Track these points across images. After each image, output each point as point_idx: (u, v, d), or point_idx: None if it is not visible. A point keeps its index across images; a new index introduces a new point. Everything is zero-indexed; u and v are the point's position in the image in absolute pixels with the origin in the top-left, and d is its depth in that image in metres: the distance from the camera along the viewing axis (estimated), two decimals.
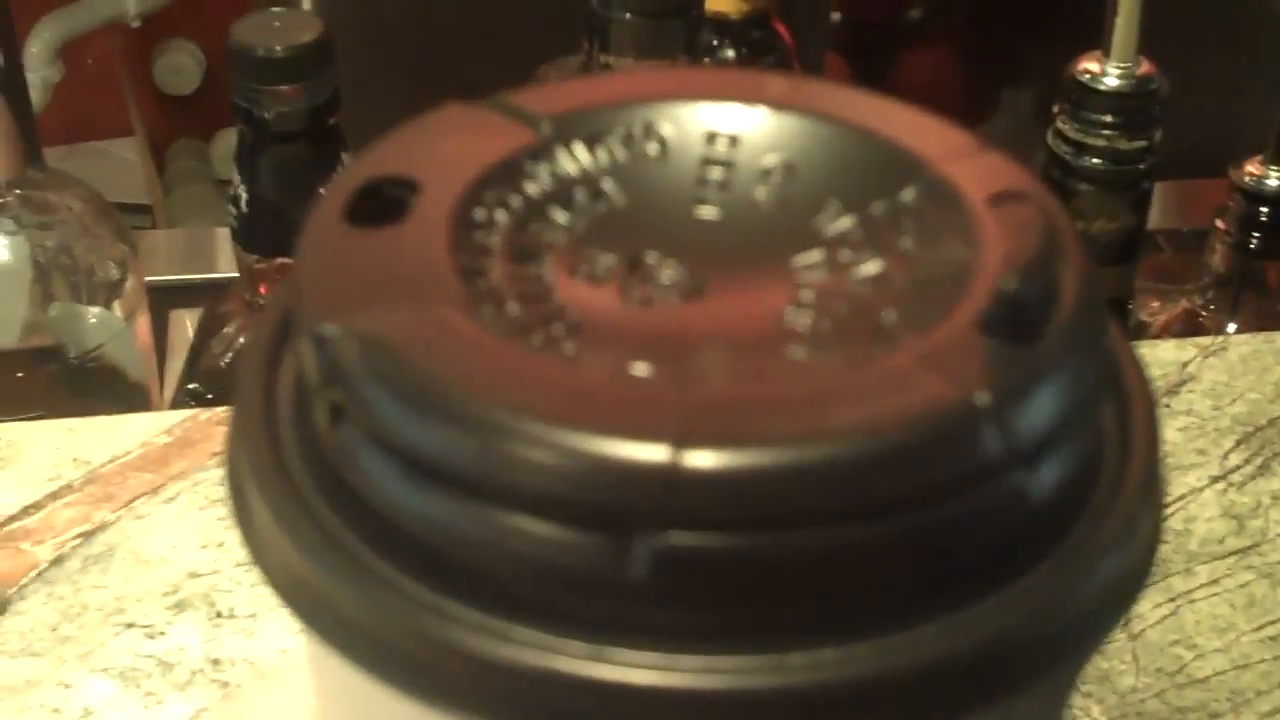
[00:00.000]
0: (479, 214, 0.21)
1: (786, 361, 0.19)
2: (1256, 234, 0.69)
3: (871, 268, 0.21)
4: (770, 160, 0.23)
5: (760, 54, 0.68)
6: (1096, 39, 0.65)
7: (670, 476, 0.17)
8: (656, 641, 0.17)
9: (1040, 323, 0.19)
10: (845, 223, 0.22)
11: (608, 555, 0.17)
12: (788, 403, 0.18)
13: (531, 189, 0.22)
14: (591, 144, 0.22)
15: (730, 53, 0.68)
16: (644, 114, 0.23)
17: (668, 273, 0.21)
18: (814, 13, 0.91)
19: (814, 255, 0.21)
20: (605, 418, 0.17)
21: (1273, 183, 0.68)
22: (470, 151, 0.21)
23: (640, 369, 0.19)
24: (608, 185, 0.22)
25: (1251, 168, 0.68)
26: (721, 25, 0.67)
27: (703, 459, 0.17)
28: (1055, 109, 0.66)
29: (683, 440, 0.17)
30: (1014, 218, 0.21)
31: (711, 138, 0.23)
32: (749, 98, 0.24)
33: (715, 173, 0.23)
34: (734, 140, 0.23)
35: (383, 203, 0.20)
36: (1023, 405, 0.18)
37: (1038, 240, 0.21)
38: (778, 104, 0.24)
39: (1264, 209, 0.68)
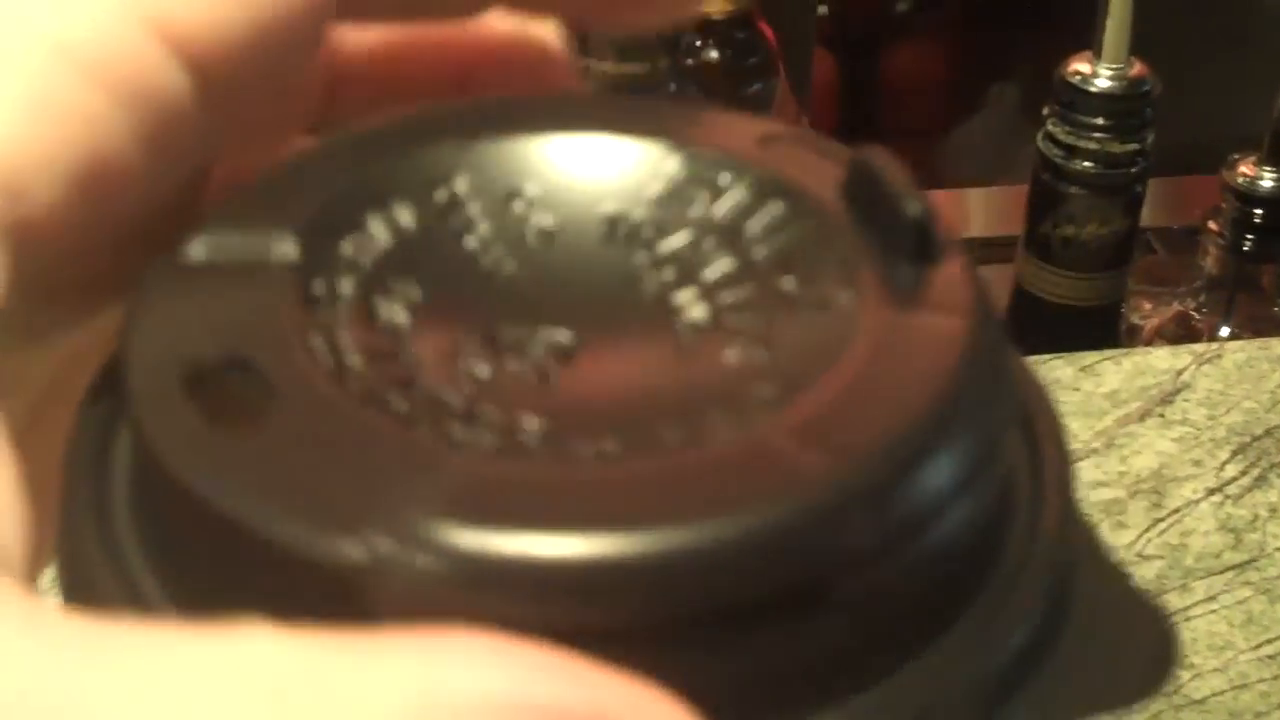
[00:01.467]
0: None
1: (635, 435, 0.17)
2: (1250, 236, 0.68)
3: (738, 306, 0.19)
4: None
5: (744, 55, 0.67)
6: (1085, 34, 0.64)
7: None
8: None
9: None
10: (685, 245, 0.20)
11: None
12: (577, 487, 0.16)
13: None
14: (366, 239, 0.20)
15: (714, 54, 0.66)
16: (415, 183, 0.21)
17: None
18: (800, 7, 0.88)
19: (681, 299, 0.20)
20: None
21: (1266, 184, 0.67)
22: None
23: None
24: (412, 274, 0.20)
25: (1245, 169, 0.67)
26: (704, 26, 0.65)
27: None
28: (1045, 111, 0.65)
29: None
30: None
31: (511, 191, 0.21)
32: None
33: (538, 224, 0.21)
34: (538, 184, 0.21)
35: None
36: (904, 482, 0.16)
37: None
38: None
39: (1258, 210, 0.67)
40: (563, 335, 0.19)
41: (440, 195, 0.20)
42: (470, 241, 0.20)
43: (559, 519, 0.15)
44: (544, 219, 0.20)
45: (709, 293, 0.19)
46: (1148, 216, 0.72)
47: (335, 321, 0.18)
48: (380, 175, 0.20)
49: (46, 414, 0.19)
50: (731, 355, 0.18)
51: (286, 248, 0.19)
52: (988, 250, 0.81)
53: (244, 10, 0.18)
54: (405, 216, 0.20)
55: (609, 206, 0.20)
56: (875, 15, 1.16)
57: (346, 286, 0.19)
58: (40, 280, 0.17)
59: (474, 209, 0.20)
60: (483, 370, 0.18)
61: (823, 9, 1.03)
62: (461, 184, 0.20)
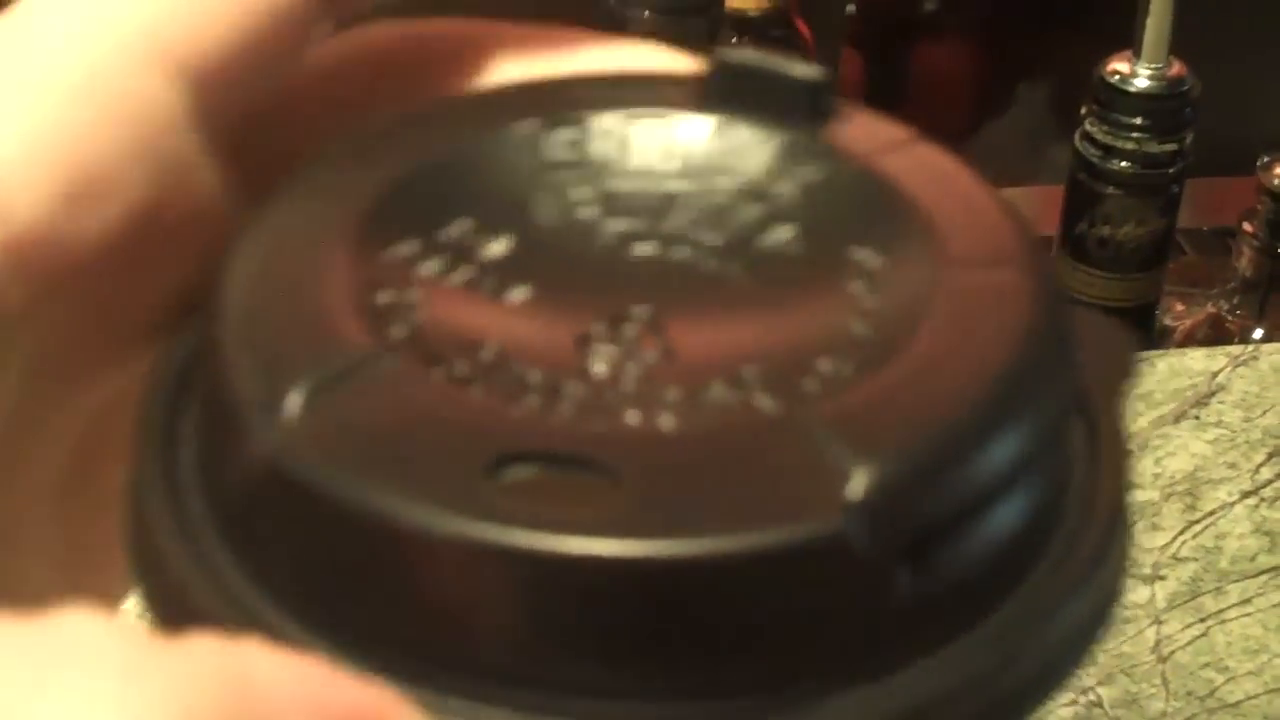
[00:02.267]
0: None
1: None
2: None
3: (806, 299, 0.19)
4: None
5: (780, 51, 0.66)
6: (1115, 33, 0.64)
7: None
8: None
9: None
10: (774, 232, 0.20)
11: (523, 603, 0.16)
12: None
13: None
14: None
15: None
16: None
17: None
18: (831, 6, 0.89)
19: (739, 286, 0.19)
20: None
21: None
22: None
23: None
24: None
25: None
26: (741, 22, 0.65)
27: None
28: (1083, 110, 0.64)
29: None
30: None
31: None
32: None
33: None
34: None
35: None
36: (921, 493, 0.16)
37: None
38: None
39: None
40: (647, 311, 0.19)
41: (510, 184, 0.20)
42: (553, 218, 0.20)
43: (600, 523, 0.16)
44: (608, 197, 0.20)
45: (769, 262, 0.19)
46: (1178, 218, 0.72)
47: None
48: (456, 155, 0.20)
49: (87, 467, 0.19)
50: (814, 322, 0.18)
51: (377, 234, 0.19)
52: None
53: (239, 32, 0.18)
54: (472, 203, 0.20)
55: (660, 182, 0.20)
56: (904, 14, 1.12)
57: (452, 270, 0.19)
58: (65, 317, 0.18)
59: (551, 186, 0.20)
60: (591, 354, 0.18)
61: (851, 7, 1.00)
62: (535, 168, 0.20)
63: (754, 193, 0.20)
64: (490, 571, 0.16)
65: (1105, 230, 0.63)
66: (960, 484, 0.16)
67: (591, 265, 0.19)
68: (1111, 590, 0.17)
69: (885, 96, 1.17)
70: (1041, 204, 0.88)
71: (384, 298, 0.18)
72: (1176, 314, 0.73)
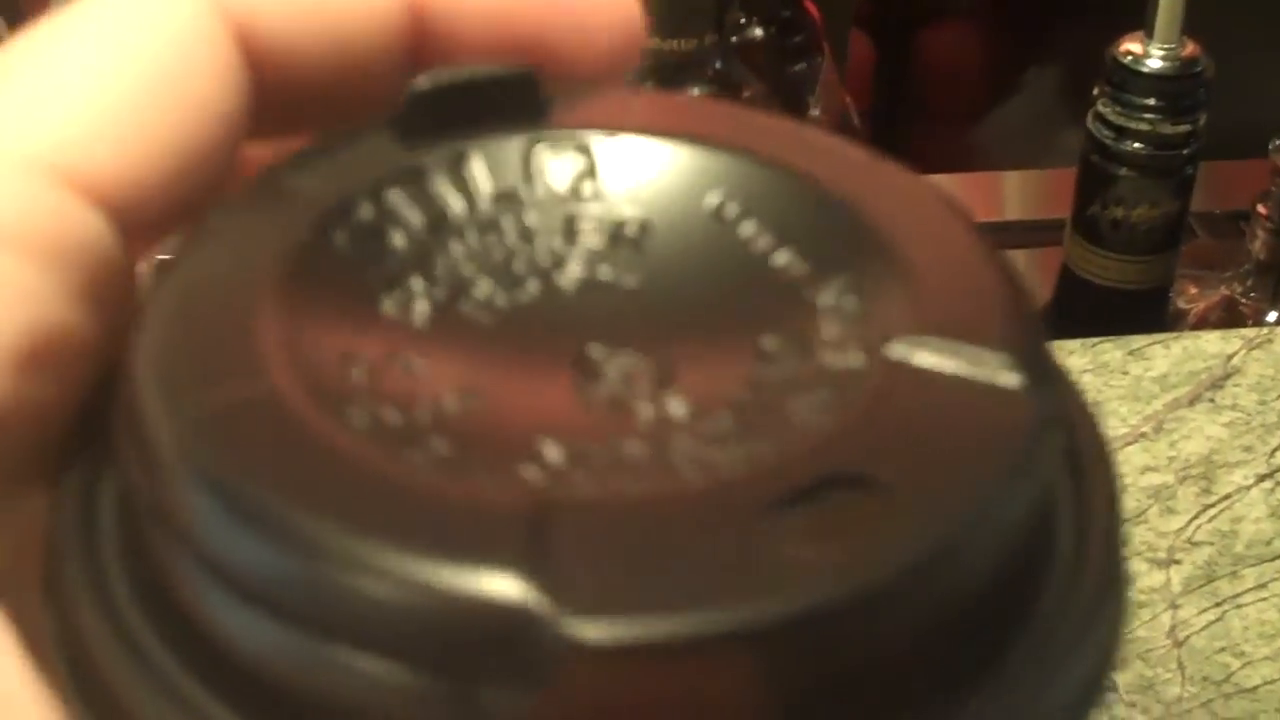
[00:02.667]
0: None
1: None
2: None
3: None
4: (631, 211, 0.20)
5: (789, 33, 0.66)
6: (1124, 16, 0.63)
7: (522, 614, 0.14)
8: None
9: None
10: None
11: (451, 707, 0.15)
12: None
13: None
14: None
15: (758, 31, 0.66)
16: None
17: (618, 362, 0.18)
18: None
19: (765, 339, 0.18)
20: (450, 537, 0.15)
21: None
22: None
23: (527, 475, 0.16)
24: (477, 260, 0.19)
25: None
26: (750, 3, 0.65)
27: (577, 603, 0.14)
28: (1095, 91, 0.64)
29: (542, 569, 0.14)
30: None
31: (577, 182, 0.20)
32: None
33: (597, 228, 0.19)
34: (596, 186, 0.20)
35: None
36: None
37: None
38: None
39: None
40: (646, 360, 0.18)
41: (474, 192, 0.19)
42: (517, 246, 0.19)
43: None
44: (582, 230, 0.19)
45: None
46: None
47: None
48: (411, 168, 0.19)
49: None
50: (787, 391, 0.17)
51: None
52: (1027, 234, 0.80)
53: (153, 146, 0.17)
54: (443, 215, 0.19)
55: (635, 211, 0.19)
56: None
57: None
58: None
59: (526, 210, 0.19)
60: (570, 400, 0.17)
61: None
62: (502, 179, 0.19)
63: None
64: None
65: (1118, 212, 0.62)
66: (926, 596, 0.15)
67: (529, 304, 0.18)
68: (1098, 668, 0.16)
69: (893, 80, 1.17)
70: (1051, 187, 0.88)
71: (331, 378, 0.17)
72: (1190, 297, 0.72)
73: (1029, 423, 0.16)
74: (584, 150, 0.20)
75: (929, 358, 0.17)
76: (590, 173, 0.20)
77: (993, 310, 0.18)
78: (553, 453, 0.16)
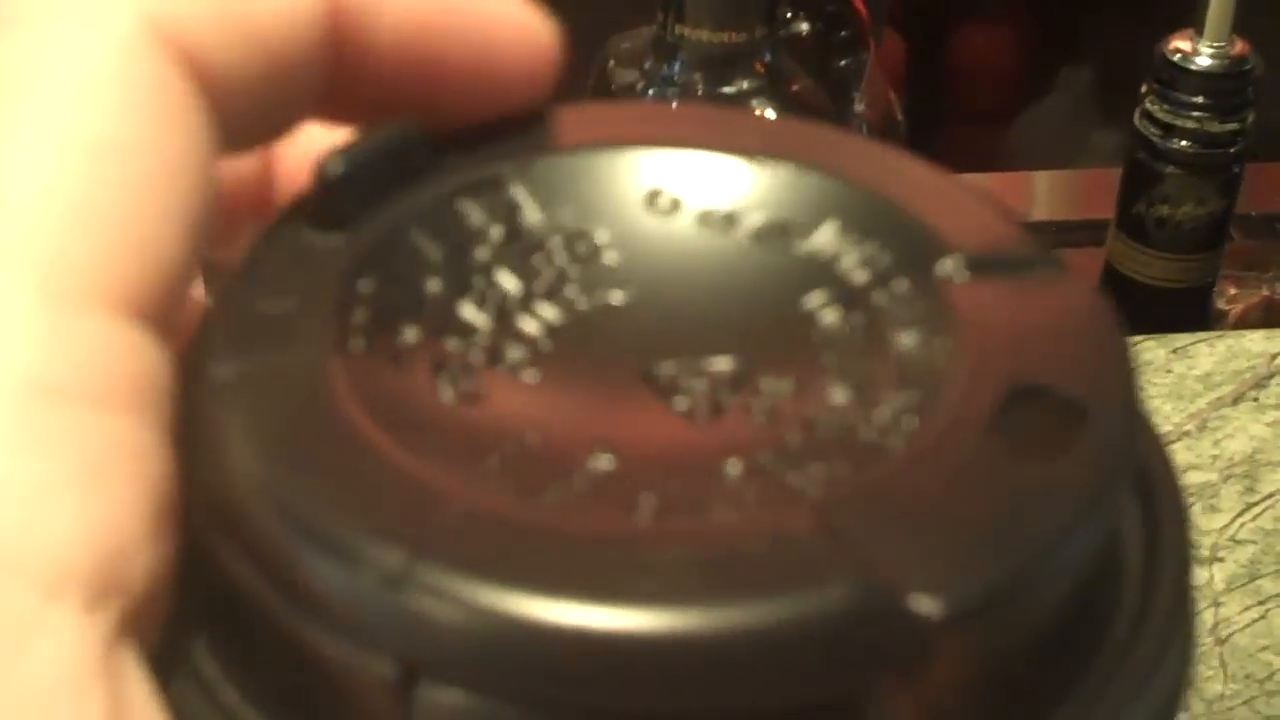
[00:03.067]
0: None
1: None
2: None
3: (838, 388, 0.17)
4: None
5: (835, 27, 0.66)
6: (1159, 17, 0.63)
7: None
8: None
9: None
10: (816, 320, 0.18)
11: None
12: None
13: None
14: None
15: (804, 26, 0.66)
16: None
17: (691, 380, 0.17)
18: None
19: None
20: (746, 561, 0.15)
21: None
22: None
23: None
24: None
25: None
26: None
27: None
28: (1144, 89, 0.64)
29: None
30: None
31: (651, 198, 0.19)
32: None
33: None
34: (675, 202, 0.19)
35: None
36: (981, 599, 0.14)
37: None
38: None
39: None
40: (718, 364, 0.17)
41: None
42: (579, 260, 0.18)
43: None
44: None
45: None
46: None
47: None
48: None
49: None
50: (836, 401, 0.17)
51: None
52: (1059, 235, 0.80)
53: (165, 229, 0.16)
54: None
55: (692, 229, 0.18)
56: None
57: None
58: None
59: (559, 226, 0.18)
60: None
61: None
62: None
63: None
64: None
65: (1164, 210, 0.62)
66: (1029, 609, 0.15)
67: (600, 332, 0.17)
68: (1172, 693, 0.16)
69: (924, 79, 1.17)
70: (1083, 187, 0.87)
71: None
72: (1230, 298, 0.72)
73: (1099, 304, 0.17)
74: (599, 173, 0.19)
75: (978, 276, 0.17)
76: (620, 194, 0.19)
77: (1006, 220, 0.18)
78: (765, 456, 0.16)
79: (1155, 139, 0.62)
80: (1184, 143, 0.61)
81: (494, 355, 0.17)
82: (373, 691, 0.14)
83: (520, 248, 0.18)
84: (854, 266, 0.18)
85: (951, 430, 0.16)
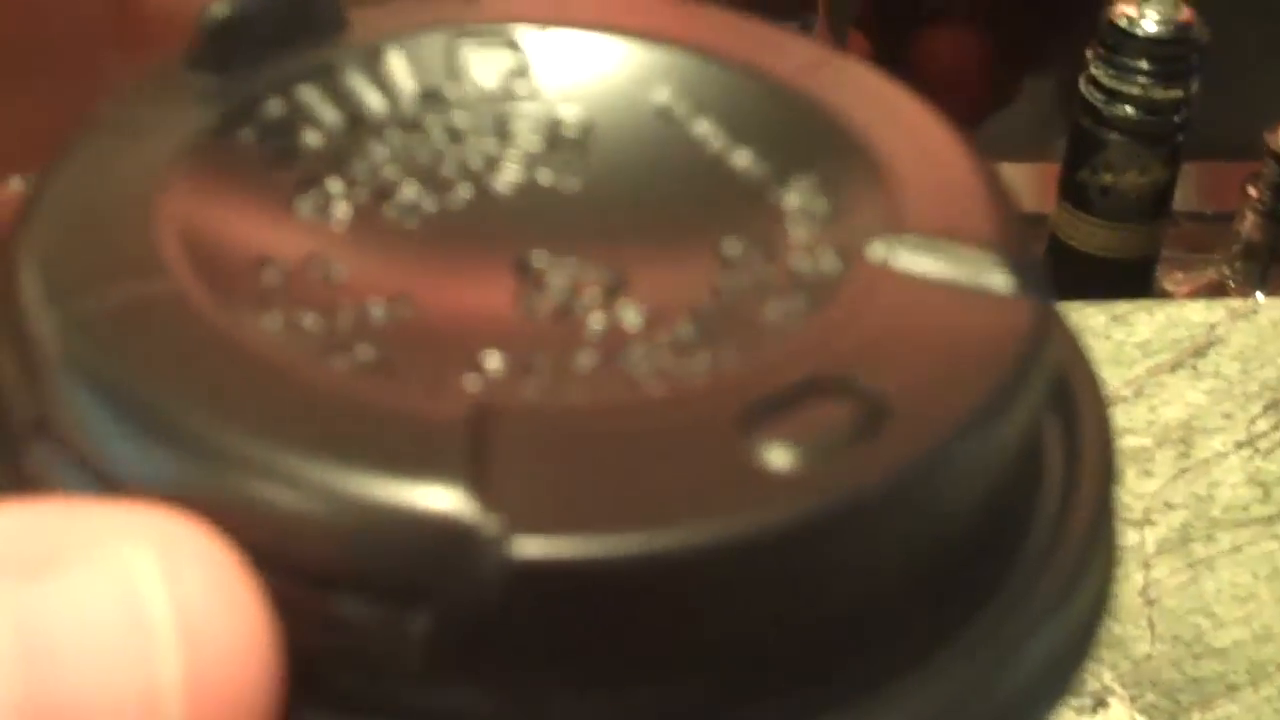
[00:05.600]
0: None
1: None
2: None
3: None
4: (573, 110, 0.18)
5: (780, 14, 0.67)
6: None
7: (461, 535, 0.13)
8: None
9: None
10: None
11: (382, 625, 0.13)
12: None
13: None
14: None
15: None
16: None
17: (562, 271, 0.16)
18: None
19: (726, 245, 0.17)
20: (382, 446, 0.14)
21: None
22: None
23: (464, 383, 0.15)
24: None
25: None
26: None
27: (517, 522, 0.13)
28: (1089, 54, 0.63)
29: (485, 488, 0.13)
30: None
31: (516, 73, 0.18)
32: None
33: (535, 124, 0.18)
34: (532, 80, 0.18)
35: None
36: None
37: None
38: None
39: None
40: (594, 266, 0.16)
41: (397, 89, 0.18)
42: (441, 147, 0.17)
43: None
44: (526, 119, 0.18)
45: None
46: (1179, 201, 0.71)
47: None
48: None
49: None
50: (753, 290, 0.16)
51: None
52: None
53: None
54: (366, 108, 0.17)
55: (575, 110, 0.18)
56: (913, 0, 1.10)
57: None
58: None
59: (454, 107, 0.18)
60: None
61: None
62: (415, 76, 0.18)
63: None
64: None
65: (1108, 178, 0.62)
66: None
67: (472, 204, 0.17)
68: (1090, 614, 0.15)
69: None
70: (1047, 180, 0.86)
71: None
72: (1176, 280, 0.72)
73: (1023, 329, 0.15)
74: (514, 46, 0.18)
75: (911, 259, 0.16)
76: (523, 70, 0.18)
77: (977, 208, 0.16)
78: (494, 362, 0.15)
79: (1100, 104, 0.62)
80: (1128, 109, 0.61)
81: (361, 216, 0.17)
82: None
83: (420, 121, 0.18)
84: (791, 211, 0.17)
85: (706, 395, 0.14)
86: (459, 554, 0.13)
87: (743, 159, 0.17)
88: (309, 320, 0.15)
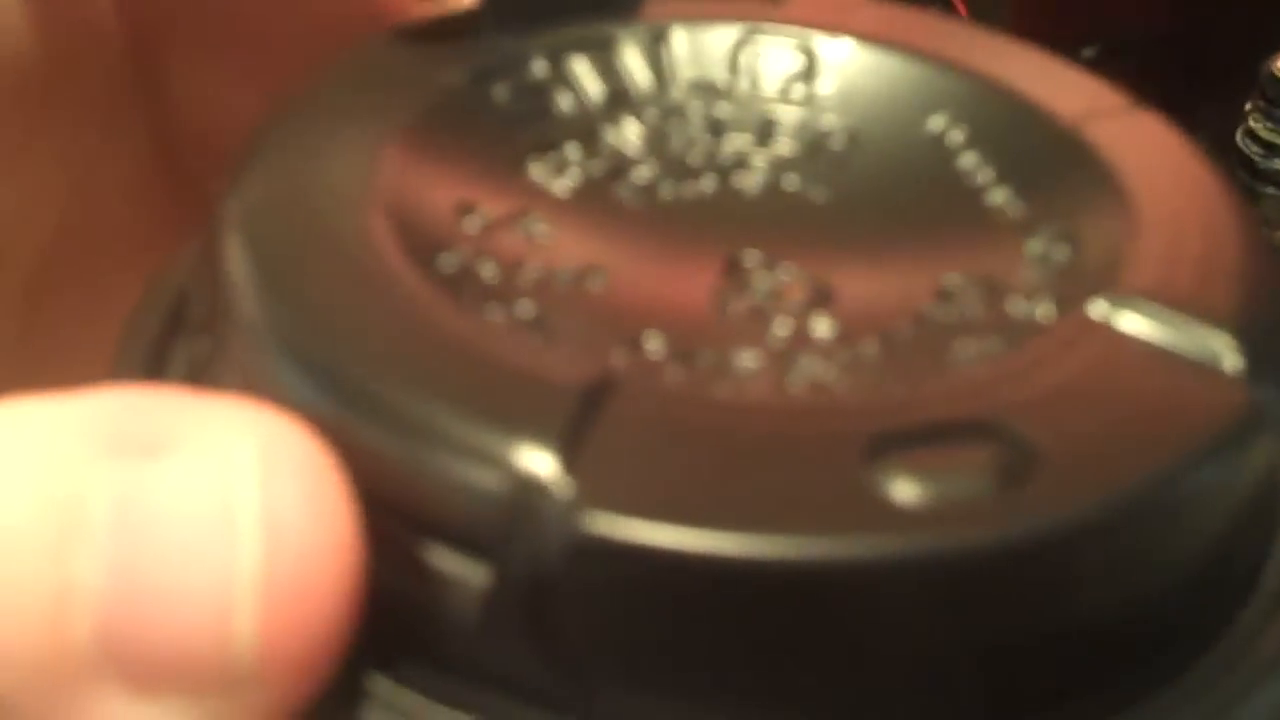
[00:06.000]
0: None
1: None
2: None
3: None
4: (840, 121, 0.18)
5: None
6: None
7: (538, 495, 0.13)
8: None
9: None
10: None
11: (445, 576, 0.13)
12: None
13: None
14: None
15: None
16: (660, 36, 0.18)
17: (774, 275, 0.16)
18: None
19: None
20: (488, 399, 0.13)
21: None
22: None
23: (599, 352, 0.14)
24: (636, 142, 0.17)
25: None
26: None
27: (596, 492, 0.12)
28: (1248, 106, 0.64)
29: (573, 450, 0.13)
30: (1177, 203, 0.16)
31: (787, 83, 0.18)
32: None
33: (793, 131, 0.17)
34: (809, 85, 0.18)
35: None
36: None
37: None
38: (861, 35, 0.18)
39: None
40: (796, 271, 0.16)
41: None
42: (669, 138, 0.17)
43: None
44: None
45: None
46: None
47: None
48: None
49: (50, 274, 0.20)
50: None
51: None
52: None
53: None
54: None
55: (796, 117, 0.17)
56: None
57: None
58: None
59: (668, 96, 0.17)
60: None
61: None
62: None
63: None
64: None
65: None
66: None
67: (706, 204, 0.17)
68: None
69: None
70: None
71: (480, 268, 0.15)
72: None
73: (1236, 412, 0.14)
74: (803, 50, 0.18)
75: (1135, 322, 0.15)
76: (807, 75, 0.18)
77: (1226, 278, 0.15)
78: (654, 344, 0.14)
79: (1257, 158, 0.63)
80: None
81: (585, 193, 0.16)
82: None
83: (669, 108, 0.17)
84: (1030, 257, 0.16)
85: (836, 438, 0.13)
86: (528, 516, 0.13)
87: (1000, 197, 0.17)
88: (488, 269, 0.15)
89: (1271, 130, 0.62)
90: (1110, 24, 0.89)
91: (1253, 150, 0.62)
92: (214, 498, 0.13)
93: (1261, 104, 0.62)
